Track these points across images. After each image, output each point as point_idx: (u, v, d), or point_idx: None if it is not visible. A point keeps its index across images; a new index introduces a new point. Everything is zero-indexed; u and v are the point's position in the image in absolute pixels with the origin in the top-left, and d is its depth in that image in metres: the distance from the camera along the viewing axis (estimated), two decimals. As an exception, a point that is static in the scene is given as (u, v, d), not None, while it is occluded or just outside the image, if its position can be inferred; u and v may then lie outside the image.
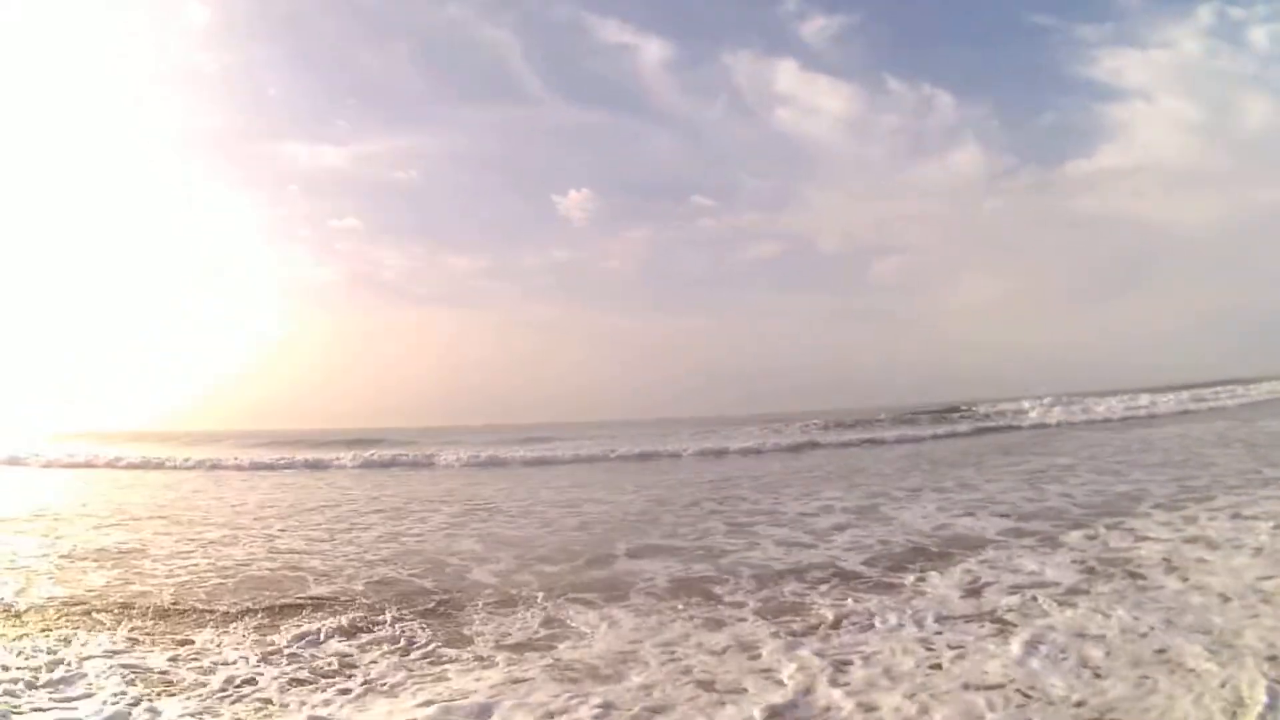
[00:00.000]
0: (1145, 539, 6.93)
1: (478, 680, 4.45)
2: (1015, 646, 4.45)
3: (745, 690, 4.14)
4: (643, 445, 24.23)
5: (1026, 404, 33.09)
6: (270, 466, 22.27)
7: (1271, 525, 7.01)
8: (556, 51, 75.58)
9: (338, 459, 22.48)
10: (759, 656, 4.64)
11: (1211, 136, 75.30)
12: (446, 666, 4.72)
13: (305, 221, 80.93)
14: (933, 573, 6.28)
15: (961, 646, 4.56)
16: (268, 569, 7.58)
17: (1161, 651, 4.20)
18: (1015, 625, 4.86)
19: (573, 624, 5.43)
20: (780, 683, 4.21)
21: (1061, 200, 77.84)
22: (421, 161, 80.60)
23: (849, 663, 4.38)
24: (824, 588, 6.07)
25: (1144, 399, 33.20)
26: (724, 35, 79.48)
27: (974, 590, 5.69)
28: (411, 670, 4.67)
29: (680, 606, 5.71)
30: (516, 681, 4.41)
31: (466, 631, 5.41)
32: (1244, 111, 73.47)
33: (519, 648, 5.01)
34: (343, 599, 6.33)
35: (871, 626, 5.00)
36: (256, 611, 6.02)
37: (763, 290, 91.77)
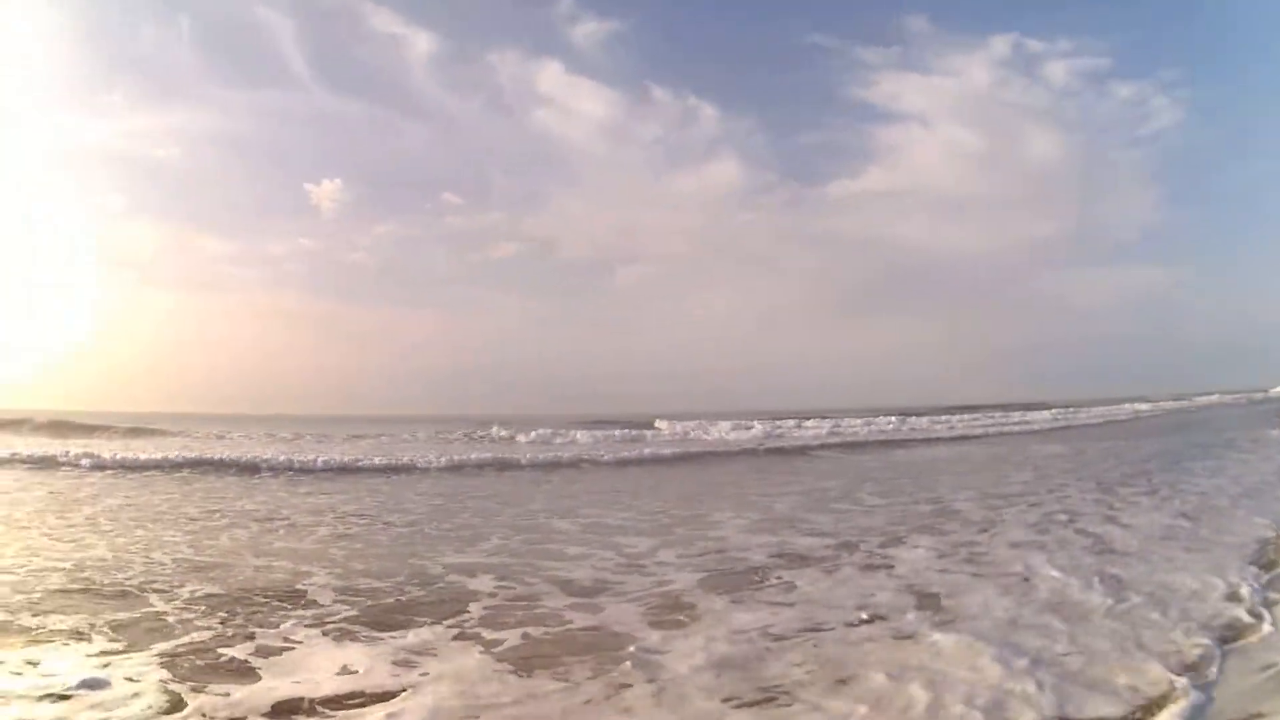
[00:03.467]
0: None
1: None
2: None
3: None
4: (391, 453, 21.46)
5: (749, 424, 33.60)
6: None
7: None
8: (328, 37, 73.02)
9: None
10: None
11: (990, 166, 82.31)
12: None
13: (71, 195, 74.56)
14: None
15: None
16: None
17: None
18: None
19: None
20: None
21: (821, 218, 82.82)
22: (185, 140, 75.81)
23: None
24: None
25: (897, 420, 36.42)
26: (493, 32, 79.17)
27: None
28: None
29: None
30: None
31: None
32: (1028, 144, 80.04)
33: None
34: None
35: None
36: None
37: (504, 291, 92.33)
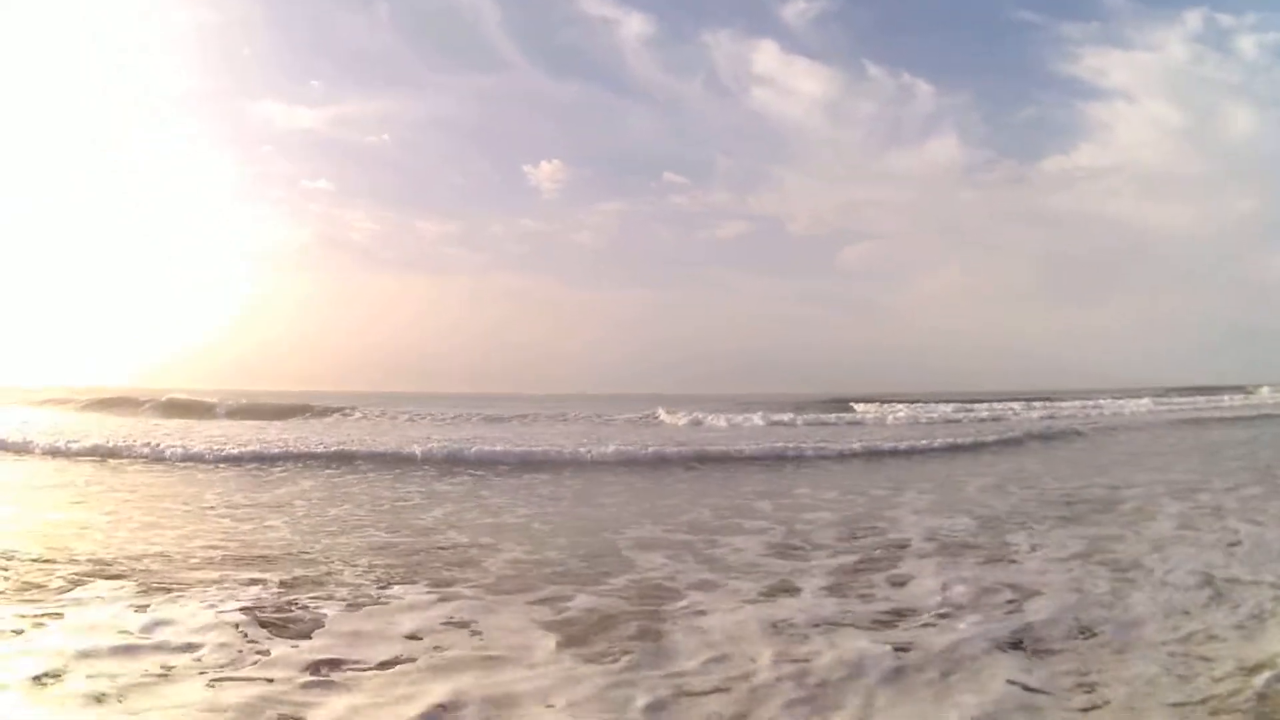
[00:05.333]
0: None
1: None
2: None
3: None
4: (604, 437, 20.48)
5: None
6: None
7: None
8: (535, 20, 74.87)
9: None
10: None
11: (1192, 142, 77.45)
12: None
13: (278, 182, 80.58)
14: None
15: None
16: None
17: None
18: None
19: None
20: None
21: (1036, 196, 79.38)
22: (395, 126, 79.92)
23: None
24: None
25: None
26: (705, 13, 79.80)
27: None
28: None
29: None
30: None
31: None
32: (1227, 119, 75.56)
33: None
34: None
35: None
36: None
37: (731, 269, 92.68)
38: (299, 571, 6.48)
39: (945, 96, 71.88)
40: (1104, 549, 7.25)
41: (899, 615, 5.40)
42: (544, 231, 78.12)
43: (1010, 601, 5.65)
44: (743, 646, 4.74)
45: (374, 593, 5.89)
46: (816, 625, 5.16)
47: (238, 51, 70.35)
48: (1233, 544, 7.32)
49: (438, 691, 4.00)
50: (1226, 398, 42.29)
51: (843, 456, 16.85)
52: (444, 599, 5.73)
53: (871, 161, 78.82)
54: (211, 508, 9.92)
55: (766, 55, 72.45)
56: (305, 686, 4.08)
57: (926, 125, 73.65)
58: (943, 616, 5.34)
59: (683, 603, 5.74)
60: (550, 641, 4.82)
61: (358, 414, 31.47)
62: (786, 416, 29.10)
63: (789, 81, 75.10)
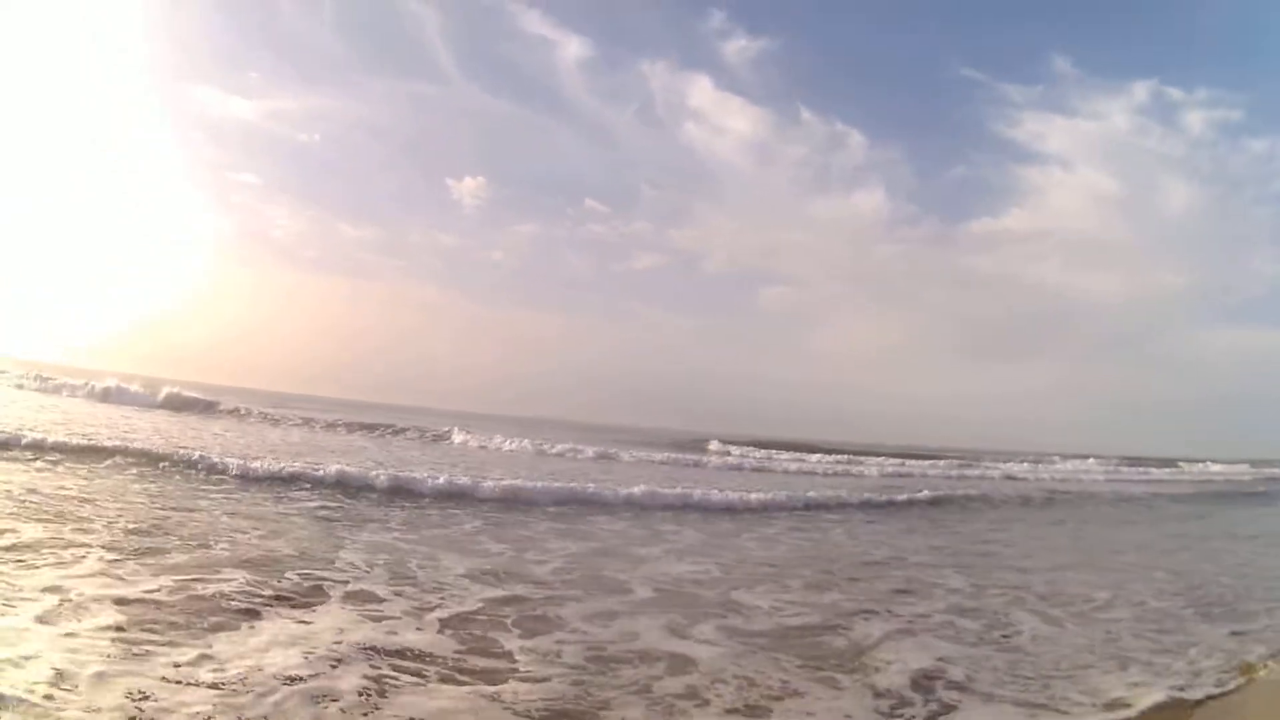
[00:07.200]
0: None
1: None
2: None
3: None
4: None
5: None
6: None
7: None
8: (475, 34, 75.41)
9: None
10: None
11: (1126, 213, 79.73)
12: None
13: (204, 169, 79.54)
14: None
15: None
16: None
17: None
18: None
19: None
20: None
21: (960, 255, 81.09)
22: (327, 124, 79.41)
23: None
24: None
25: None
26: (645, 42, 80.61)
27: None
28: None
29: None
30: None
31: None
32: (1164, 193, 77.75)
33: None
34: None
35: None
36: None
37: (642, 301, 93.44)
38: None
39: (876, 148, 73.70)
40: (833, 625, 6.55)
41: (465, 672, 4.82)
42: (460, 246, 78.03)
43: (645, 676, 4.98)
44: (261, 657, 4.69)
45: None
46: (371, 650, 5.04)
47: (178, 33, 70.24)
48: (1004, 637, 6.40)
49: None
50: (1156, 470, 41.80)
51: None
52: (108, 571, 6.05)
53: (796, 207, 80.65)
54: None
55: (701, 90, 73.65)
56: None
57: (855, 175, 75.68)
58: (533, 680, 4.76)
59: (313, 602, 5.92)
60: (105, 619, 4.94)
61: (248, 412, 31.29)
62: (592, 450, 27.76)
63: (721, 119, 76.96)
